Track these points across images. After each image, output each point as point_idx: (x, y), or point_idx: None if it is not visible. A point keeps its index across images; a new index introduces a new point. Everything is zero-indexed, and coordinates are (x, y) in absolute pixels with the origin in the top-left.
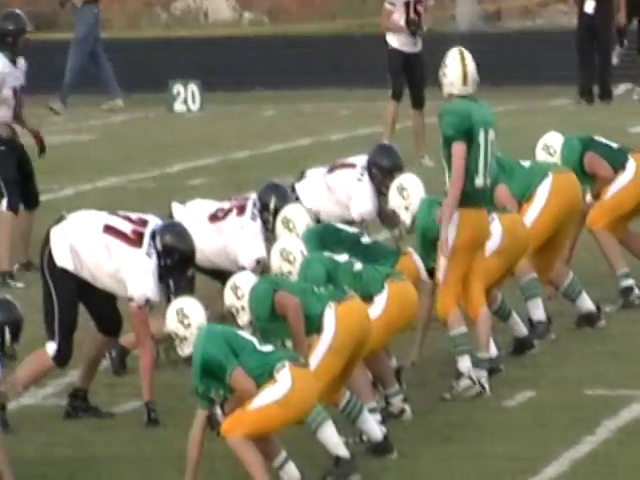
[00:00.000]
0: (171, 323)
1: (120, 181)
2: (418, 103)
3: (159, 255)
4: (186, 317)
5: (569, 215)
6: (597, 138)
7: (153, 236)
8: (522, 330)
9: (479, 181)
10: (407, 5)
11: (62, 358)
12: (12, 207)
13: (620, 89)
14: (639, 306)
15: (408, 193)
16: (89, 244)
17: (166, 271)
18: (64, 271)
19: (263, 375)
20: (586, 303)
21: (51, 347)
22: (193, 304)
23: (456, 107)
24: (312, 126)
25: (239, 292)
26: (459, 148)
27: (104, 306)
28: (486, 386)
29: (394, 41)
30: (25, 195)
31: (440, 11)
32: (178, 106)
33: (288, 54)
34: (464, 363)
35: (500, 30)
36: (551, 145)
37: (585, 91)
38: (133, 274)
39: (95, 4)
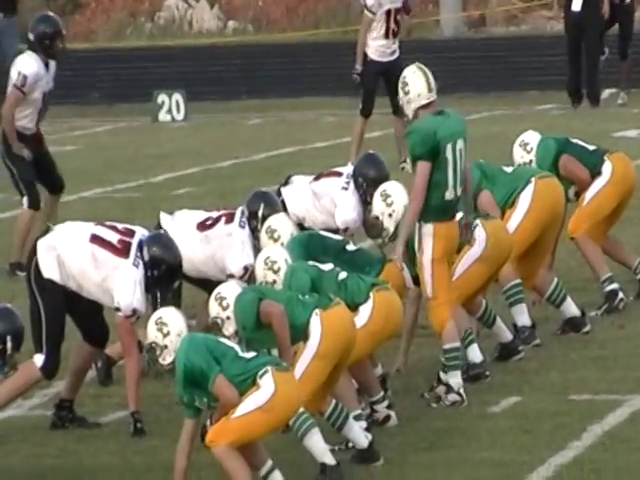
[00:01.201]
0: (151, 333)
1: (105, 191)
2: (399, 109)
3: (146, 266)
4: (165, 325)
5: (552, 220)
6: (573, 140)
7: (140, 246)
8: (507, 336)
9: (449, 194)
10: (388, 14)
11: (50, 370)
12: (32, 206)
13: (605, 94)
14: (624, 310)
15: (392, 200)
16: (76, 254)
17: (153, 282)
18: (51, 282)
19: (246, 381)
20: (571, 308)
21: (39, 359)
22: (171, 312)
23: (422, 126)
24: (297, 134)
25: (224, 302)
26: (422, 167)
27: (90, 316)
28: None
29: (372, 52)
30: (52, 183)
31: (425, 17)
32: (163, 116)
33: (273, 63)
34: (455, 378)
35: (485, 36)
36: (528, 142)
37: (573, 91)
38: (120, 284)
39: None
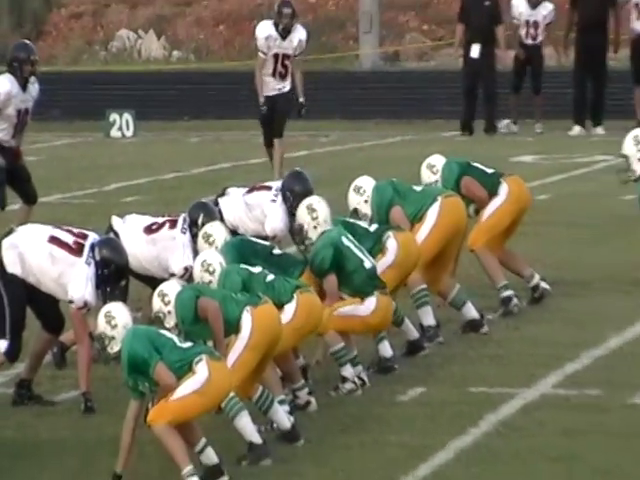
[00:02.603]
0: (100, 325)
1: (64, 197)
2: (277, 133)
3: (97, 265)
4: (113, 318)
5: (455, 234)
6: (474, 163)
7: (92, 248)
8: (414, 334)
9: (367, 264)
10: (276, 57)
11: (13, 354)
12: (2, 206)
13: (503, 124)
14: (518, 314)
15: (317, 214)
16: (35, 252)
17: (103, 279)
18: (14, 276)
19: (183, 368)
20: (471, 311)
21: (3, 344)
22: (119, 307)
23: (324, 243)
24: (232, 152)
25: (166, 299)
26: (331, 279)
27: (48, 308)
28: (365, 379)
29: (265, 90)
30: (26, 194)
31: (346, 51)
32: (114, 132)
33: (211, 88)
34: (347, 371)
35: (398, 69)
36: (434, 165)
37: (465, 125)
38: (73, 280)
39: None
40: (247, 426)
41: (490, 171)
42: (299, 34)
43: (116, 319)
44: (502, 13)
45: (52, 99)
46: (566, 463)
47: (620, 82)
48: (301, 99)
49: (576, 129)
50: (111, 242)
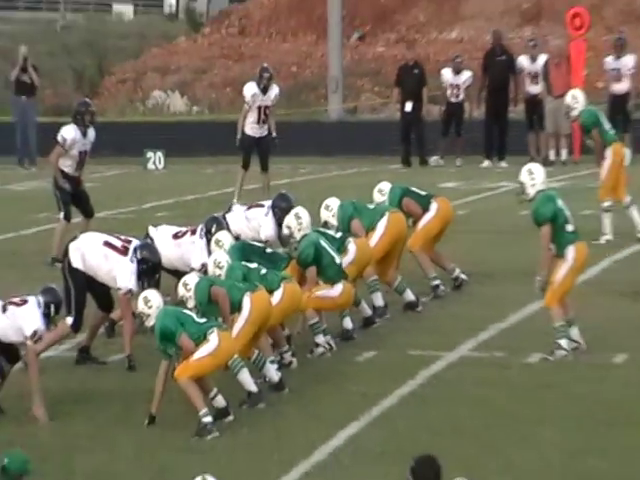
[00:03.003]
0: (140, 305)
1: (112, 213)
2: (265, 168)
3: (138, 262)
4: (149, 301)
5: (398, 240)
6: (412, 188)
7: (135, 250)
8: (368, 312)
9: (337, 260)
10: (259, 108)
11: (77, 327)
12: (66, 219)
13: (433, 159)
14: (443, 297)
15: (302, 220)
16: (93, 253)
17: (142, 273)
18: (77, 270)
19: (200, 337)
20: (409, 295)
21: (69, 319)
22: (154, 293)
23: (307, 243)
24: (232, 179)
25: (188, 287)
26: (312, 270)
27: (102, 293)
28: (333, 344)
29: (248, 129)
30: (85, 211)
31: (318, 106)
32: (150, 166)
33: (221, 133)
34: (320, 338)
35: (356, 120)
36: (383, 189)
37: (404, 160)
38: (121, 273)
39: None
40: (246, 379)
41: (423, 193)
42: (275, 91)
43: (151, 301)
44: (426, 79)
45: (104, 142)
46: (480, 406)
47: (518, 129)
48: (274, 134)
49: (486, 162)
50: (148, 245)
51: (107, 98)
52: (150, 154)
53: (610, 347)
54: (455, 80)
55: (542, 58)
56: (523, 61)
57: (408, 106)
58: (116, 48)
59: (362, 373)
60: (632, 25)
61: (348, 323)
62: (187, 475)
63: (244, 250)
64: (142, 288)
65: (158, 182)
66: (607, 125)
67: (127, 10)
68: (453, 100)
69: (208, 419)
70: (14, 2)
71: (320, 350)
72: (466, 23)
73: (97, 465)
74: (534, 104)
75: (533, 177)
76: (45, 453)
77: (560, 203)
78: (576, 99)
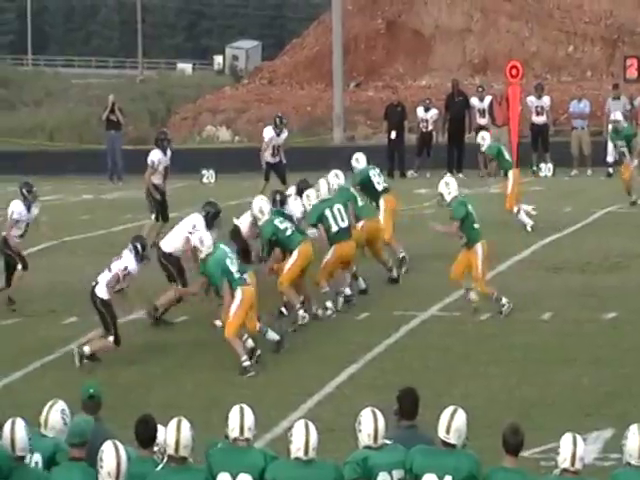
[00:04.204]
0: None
1: (179, 215)
2: (284, 182)
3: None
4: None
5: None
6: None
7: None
8: (363, 285)
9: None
10: (274, 147)
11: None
12: (157, 219)
13: (409, 172)
14: (417, 272)
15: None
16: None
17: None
18: (171, 255)
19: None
20: (394, 274)
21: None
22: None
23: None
24: (248, 191)
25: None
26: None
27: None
28: (339, 307)
29: (267, 158)
30: (165, 216)
31: (325, 135)
32: (204, 180)
33: (255, 156)
34: (329, 303)
35: (354, 144)
36: (358, 158)
37: (389, 173)
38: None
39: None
40: (272, 335)
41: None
42: (285, 134)
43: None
44: (407, 115)
45: (172, 163)
46: (445, 351)
47: (471, 150)
48: (284, 161)
49: (448, 175)
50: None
51: (173, 131)
52: (205, 172)
53: (539, 308)
54: (425, 116)
55: (488, 99)
56: (474, 101)
57: (393, 134)
58: (180, 95)
59: (359, 328)
60: (554, 73)
61: (348, 291)
62: (231, 404)
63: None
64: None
65: (211, 192)
66: (507, 155)
67: (187, 67)
68: (424, 130)
69: (247, 363)
70: (106, 63)
71: (329, 312)
72: (433, 74)
73: (166, 398)
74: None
75: (449, 187)
76: (127, 389)
77: (470, 207)
78: (484, 139)
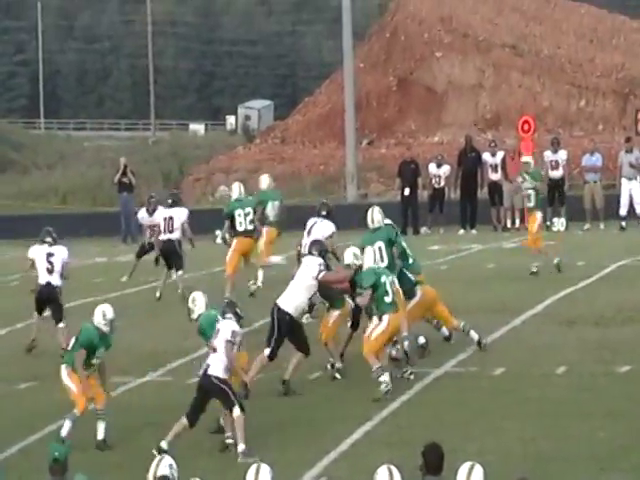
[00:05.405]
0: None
1: (199, 274)
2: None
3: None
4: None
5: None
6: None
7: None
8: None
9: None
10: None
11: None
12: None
13: (423, 229)
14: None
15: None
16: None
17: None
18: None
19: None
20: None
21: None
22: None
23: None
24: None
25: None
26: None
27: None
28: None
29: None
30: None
31: (339, 193)
32: (218, 240)
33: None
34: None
35: (367, 202)
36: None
37: (402, 230)
38: None
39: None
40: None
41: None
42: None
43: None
44: (420, 171)
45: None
46: (459, 407)
47: (483, 205)
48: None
49: (461, 231)
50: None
51: (186, 192)
52: (218, 232)
53: (554, 361)
54: (438, 172)
55: (500, 154)
56: (486, 156)
57: (407, 191)
58: (192, 156)
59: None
60: (566, 127)
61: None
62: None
63: None
64: None
65: (225, 252)
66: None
67: (200, 128)
68: (437, 186)
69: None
70: (118, 125)
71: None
72: (445, 130)
73: (182, 459)
74: (495, 187)
75: (358, 258)
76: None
77: (383, 278)
78: (525, 179)
